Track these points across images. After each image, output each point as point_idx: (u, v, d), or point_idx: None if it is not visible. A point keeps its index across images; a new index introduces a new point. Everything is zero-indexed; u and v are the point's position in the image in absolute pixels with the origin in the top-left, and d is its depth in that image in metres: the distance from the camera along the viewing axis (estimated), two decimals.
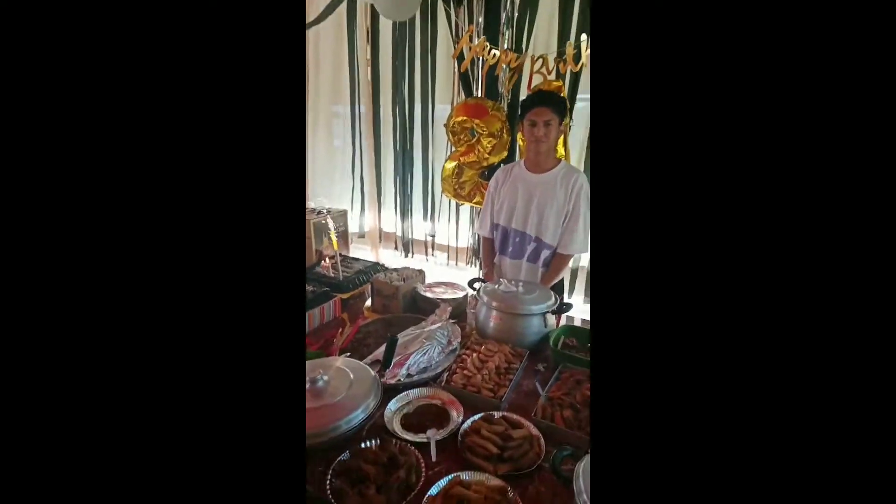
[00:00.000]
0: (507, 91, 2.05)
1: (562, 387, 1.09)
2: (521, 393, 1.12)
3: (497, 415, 0.99)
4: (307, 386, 0.92)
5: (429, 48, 2.26)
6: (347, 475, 0.81)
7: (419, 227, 2.62)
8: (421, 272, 1.69)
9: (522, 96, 2.05)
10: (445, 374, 1.15)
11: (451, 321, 1.38)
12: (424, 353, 1.20)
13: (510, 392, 1.09)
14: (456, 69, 2.16)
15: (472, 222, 2.39)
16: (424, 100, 2.35)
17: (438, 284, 1.67)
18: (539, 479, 0.85)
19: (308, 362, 1.07)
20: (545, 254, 1.66)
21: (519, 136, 2.00)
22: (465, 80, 2.14)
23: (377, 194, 2.68)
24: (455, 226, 2.47)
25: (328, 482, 0.80)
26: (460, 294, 1.59)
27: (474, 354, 1.22)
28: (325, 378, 0.95)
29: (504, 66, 1.97)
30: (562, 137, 1.83)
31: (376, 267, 1.77)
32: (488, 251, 1.82)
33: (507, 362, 1.20)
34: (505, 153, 2.09)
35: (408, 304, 1.56)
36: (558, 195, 1.59)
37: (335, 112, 2.76)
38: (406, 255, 2.61)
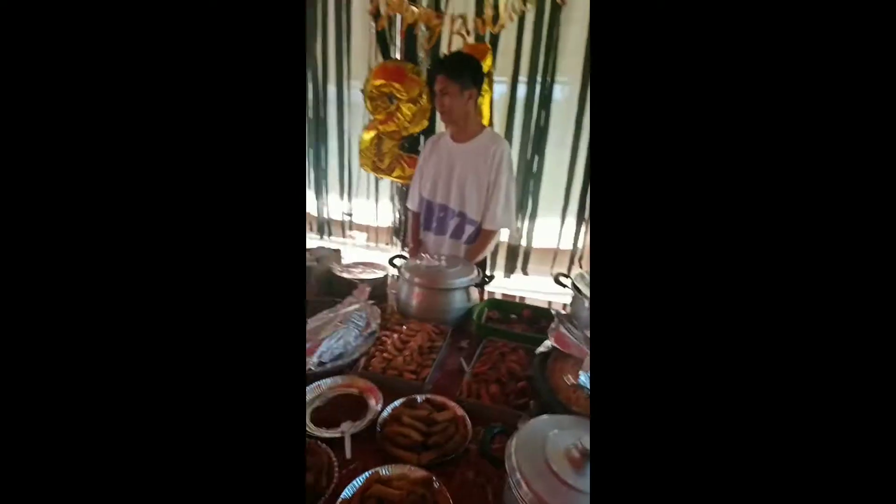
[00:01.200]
0: (426, 53, 1.93)
1: (486, 361, 1.03)
2: (445, 372, 1.06)
3: (420, 398, 0.91)
4: None
5: (343, 4, 2.04)
6: None
7: (335, 206, 2.42)
8: (336, 252, 1.54)
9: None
10: (363, 360, 1.04)
11: (371, 302, 1.27)
12: (339, 339, 1.07)
13: (434, 372, 1.01)
14: (373, 28, 1.98)
15: (392, 199, 2.25)
16: (339, 64, 2.14)
17: (356, 265, 1.54)
18: (466, 463, 0.79)
19: None
20: (469, 229, 1.57)
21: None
22: (383, 41, 1.97)
23: None
24: (374, 203, 2.32)
25: None
26: (380, 274, 1.48)
27: (395, 335, 1.13)
28: None
29: (422, 25, 1.83)
30: (485, 102, 1.76)
31: None
32: (416, 227, 1.71)
33: (429, 341, 1.12)
34: (426, 122, 1.97)
35: (323, 286, 1.42)
36: (480, 165, 1.49)
37: None
38: (322, 237, 2.42)
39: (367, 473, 0.73)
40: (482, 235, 1.57)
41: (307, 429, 0.83)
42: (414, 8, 1.80)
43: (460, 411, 0.88)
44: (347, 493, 0.69)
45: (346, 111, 2.21)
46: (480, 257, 1.58)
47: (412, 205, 1.69)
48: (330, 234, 2.44)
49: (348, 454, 0.78)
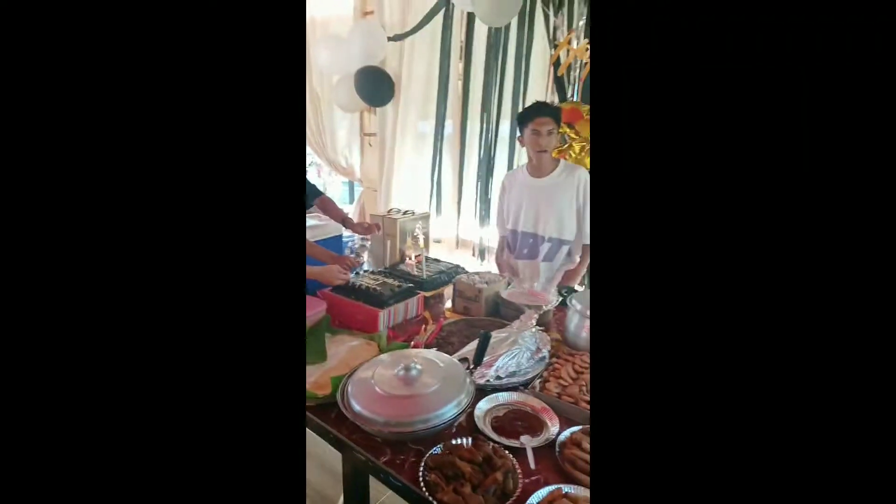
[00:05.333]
0: None
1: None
2: None
3: None
4: (401, 374, 0.90)
5: (524, 53, 2.23)
6: (441, 470, 0.76)
7: (496, 236, 2.57)
8: (504, 277, 1.63)
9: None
10: (537, 381, 1.07)
11: (540, 328, 1.30)
12: (513, 357, 1.13)
13: None
14: (551, 74, 2.11)
15: None
16: (515, 105, 2.32)
17: (521, 292, 1.60)
18: None
19: (399, 352, 1.05)
20: (563, 250, 1.77)
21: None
22: (560, 85, 2.08)
23: (458, 200, 2.68)
24: None
25: (421, 473, 0.76)
26: (545, 303, 1.50)
27: (569, 364, 1.14)
28: (418, 368, 0.92)
29: None
30: None
31: (458, 269, 1.75)
32: (501, 250, 1.93)
33: None
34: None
35: (490, 309, 1.51)
36: (566, 194, 1.70)
37: (420, 132, 2.84)
38: (482, 261, 2.57)
39: (550, 487, 0.75)
40: (585, 251, 1.80)
41: (487, 433, 0.89)
42: None
43: None
44: (534, 500, 0.72)
45: (517, 151, 2.37)
46: (584, 270, 1.84)
47: (500, 232, 1.92)
48: (485, 260, 2.58)
49: (532, 465, 0.81)
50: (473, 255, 2.62)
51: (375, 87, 2.63)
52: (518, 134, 1.72)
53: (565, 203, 1.71)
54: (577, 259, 1.82)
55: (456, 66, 2.53)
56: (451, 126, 2.65)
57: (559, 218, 1.73)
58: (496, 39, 2.32)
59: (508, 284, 1.59)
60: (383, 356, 1.01)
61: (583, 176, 1.71)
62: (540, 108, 1.65)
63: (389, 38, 2.63)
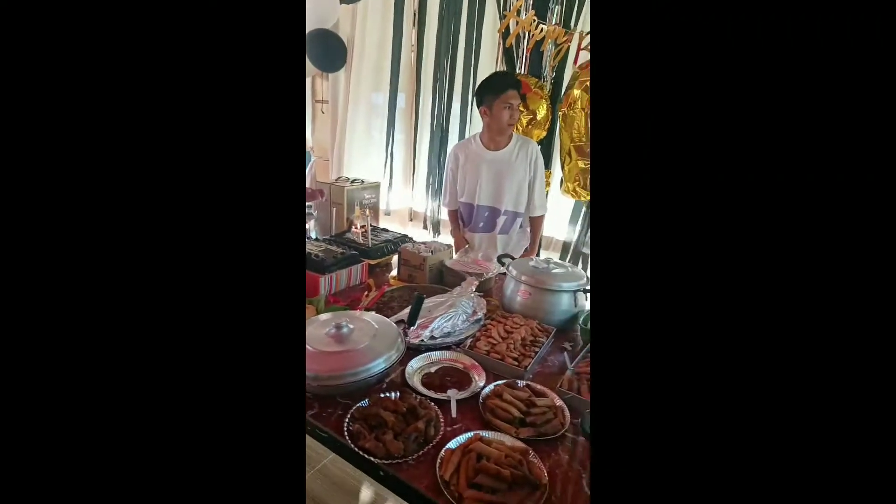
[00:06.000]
0: (551, 68, 2.00)
1: (590, 364, 1.04)
2: (546, 367, 1.09)
3: (521, 383, 0.96)
4: (332, 332, 0.92)
5: (475, 23, 2.22)
6: (366, 420, 0.80)
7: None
8: (449, 247, 1.67)
9: (567, 74, 1.99)
10: (469, 340, 1.12)
11: (478, 294, 1.35)
12: (449, 319, 1.17)
13: (535, 363, 1.05)
14: (500, 45, 2.12)
15: None
16: (466, 77, 2.32)
17: (466, 261, 1.64)
18: (562, 448, 0.81)
19: (335, 313, 1.07)
20: (517, 222, 1.82)
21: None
22: (509, 57, 2.09)
23: (412, 173, 2.67)
24: None
25: (346, 424, 0.79)
26: (488, 271, 1.56)
27: (500, 325, 1.19)
28: (350, 326, 0.94)
29: (550, 42, 1.91)
30: None
31: (404, 238, 1.76)
32: (456, 223, 1.94)
33: (532, 335, 1.16)
34: (543, 132, 2.03)
35: (434, 277, 1.55)
36: (519, 168, 1.74)
37: (374, 103, 2.77)
38: (434, 235, 2.60)
39: (469, 433, 0.80)
40: (535, 222, 1.86)
41: (418, 388, 0.93)
42: (543, 26, 1.89)
43: (559, 401, 0.91)
44: (452, 444, 0.77)
45: (468, 123, 2.38)
46: (538, 239, 1.90)
47: (452, 206, 1.92)
48: (439, 234, 2.61)
49: (454, 414, 0.86)
50: (425, 227, 2.64)
51: (327, 50, 2.54)
52: (481, 106, 1.68)
53: (521, 176, 1.75)
54: (528, 231, 1.87)
55: (410, 35, 2.48)
56: (403, 99, 2.62)
57: (517, 191, 1.76)
58: (448, 6, 2.29)
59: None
60: (319, 316, 1.02)
61: (534, 148, 1.76)
62: (511, 81, 1.64)
63: (342, 1, 2.53)
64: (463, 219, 1.91)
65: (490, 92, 1.64)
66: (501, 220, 1.81)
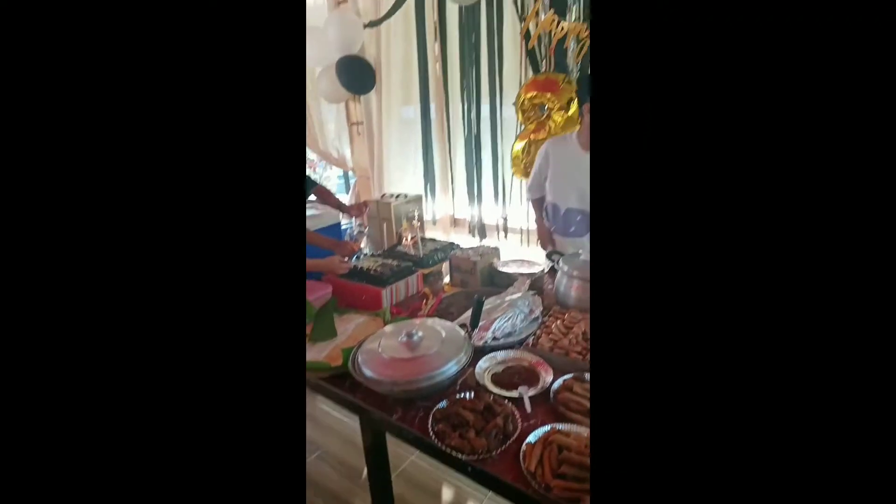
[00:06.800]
0: (576, 62, 2.00)
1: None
2: None
3: (587, 375, 0.99)
4: (404, 340, 0.99)
5: (495, 30, 2.26)
6: (448, 420, 0.86)
7: (489, 212, 2.64)
8: (496, 249, 1.71)
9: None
10: (531, 339, 1.16)
11: (532, 293, 1.39)
12: (508, 320, 1.22)
13: None
14: (523, 47, 2.15)
15: None
16: (492, 82, 2.36)
17: (514, 261, 1.68)
18: None
19: (402, 322, 1.14)
20: None
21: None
22: (533, 58, 2.12)
23: (449, 181, 2.74)
24: (526, 208, 2.46)
25: (430, 425, 0.85)
26: (536, 269, 1.59)
27: (558, 321, 1.22)
28: (420, 334, 1.00)
29: (573, 38, 1.92)
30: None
31: (452, 246, 1.82)
32: (540, 212, 1.85)
33: None
34: (578, 126, 2.04)
35: (485, 280, 1.59)
36: None
37: (405, 118, 2.86)
38: (480, 239, 2.65)
39: (546, 427, 0.84)
40: None
41: (489, 387, 0.98)
42: (564, 24, 1.91)
43: None
44: (531, 438, 0.81)
45: (499, 126, 2.42)
46: None
47: (534, 194, 1.84)
48: (485, 237, 2.65)
49: (528, 409, 0.90)
50: (471, 233, 2.69)
51: (356, 74, 2.66)
52: (584, 104, 1.62)
53: None
54: None
55: (433, 48, 2.56)
56: (433, 109, 2.69)
57: None
58: (468, 18, 2.34)
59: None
60: (388, 327, 1.10)
61: None
62: None
63: (365, 25, 2.65)
64: (549, 220, 1.81)
65: (585, 92, 1.59)
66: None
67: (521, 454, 0.78)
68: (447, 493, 1.65)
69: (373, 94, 2.85)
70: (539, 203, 1.86)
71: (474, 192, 2.63)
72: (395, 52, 2.70)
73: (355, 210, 1.97)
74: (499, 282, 1.57)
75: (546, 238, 1.86)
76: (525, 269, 1.59)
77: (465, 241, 2.57)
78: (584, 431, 0.82)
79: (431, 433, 0.84)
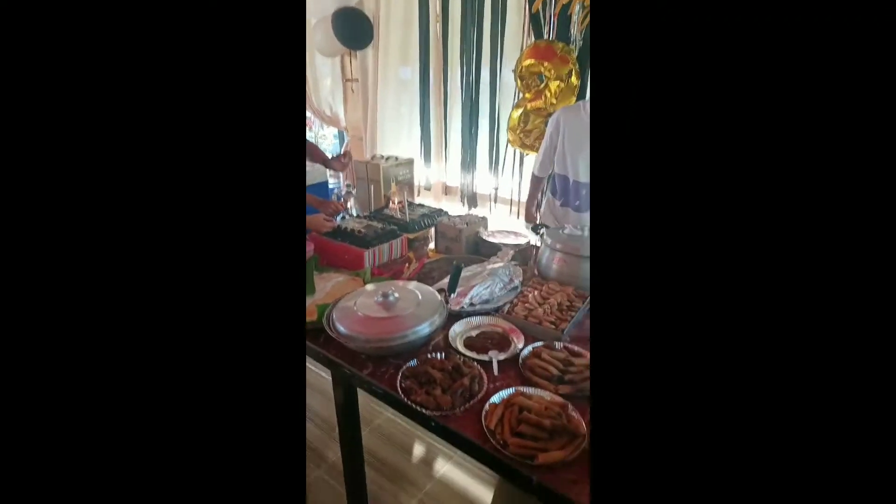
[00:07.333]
0: (579, 32, 1.94)
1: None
2: (582, 331, 1.13)
3: (558, 344, 1.01)
4: (380, 300, 1.00)
5: None
6: (416, 377, 0.88)
7: (482, 182, 2.61)
8: (484, 219, 1.71)
9: None
10: (507, 306, 1.18)
11: (514, 262, 1.40)
12: (486, 287, 1.23)
13: (571, 327, 1.10)
14: (527, 11, 2.07)
15: None
16: (494, 46, 2.29)
17: (501, 231, 1.68)
18: None
19: (381, 283, 1.15)
20: None
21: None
22: (536, 23, 2.04)
23: (444, 147, 2.70)
24: (519, 179, 2.44)
25: (399, 381, 0.88)
26: (522, 241, 1.60)
27: (536, 291, 1.24)
28: (396, 295, 1.01)
29: (578, 5, 1.85)
30: None
31: (440, 212, 1.82)
32: (536, 192, 1.84)
33: (569, 301, 1.21)
34: (573, 98, 2.00)
35: (470, 248, 1.60)
36: None
37: (402, 78, 2.78)
38: (469, 208, 2.63)
39: (511, 389, 0.87)
40: None
41: (461, 349, 1.00)
42: None
43: None
44: (495, 399, 0.84)
45: (498, 92, 2.36)
46: None
47: (541, 172, 1.79)
48: (475, 206, 2.64)
49: (496, 372, 0.93)
50: (461, 201, 2.68)
51: (354, 28, 2.56)
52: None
53: None
54: None
55: (434, 5, 2.45)
56: (431, 72, 2.61)
57: None
58: None
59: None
60: (366, 287, 1.11)
61: None
62: None
63: None
64: (556, 192, 1.75)
65: None
66: None
67: (484, 413, 0.81)
68: (418, 449, 1.72)
69: (369, 51, 2.75)
70: (538, 182, 1.83)
71: (468, 159, 2.59)
72: (395, 7, 2.59)
73: (338, 164, 1.93)
74: (484, 251, 1.58)
75: (531, 216, 1.85)
76: (511, 240, 1.60)
77: (456, 208, 2.56)
78: (547, 395, 0.85)
79: (399, 389, 0.87)
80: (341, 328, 0.96)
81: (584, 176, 1.65)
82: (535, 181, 1.87)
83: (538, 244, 1.46)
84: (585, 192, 1.67)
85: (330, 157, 1.96)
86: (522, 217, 2.42)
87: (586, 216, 1.70)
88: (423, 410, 0.82)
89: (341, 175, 2.72)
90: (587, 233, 1.38)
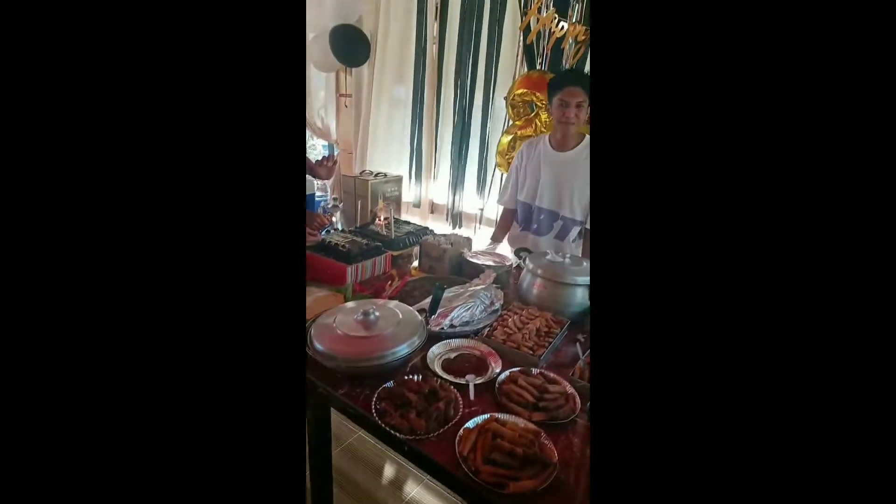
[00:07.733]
0: (571, 65, 2.01)
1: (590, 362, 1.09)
2: (559, 356, 1.14)
3: (535, 370, 1.02)
4: (360, 318, 0.99)
5: (496, 19, 2.24)
6: (391, 399, 0.87)
7: (469, 202, 2.65)
8: (468, 239, 1.73)
9: (586, 71, 2.01)
10: (486, 329, 1.18)
11: (495, 286, 1.41)
12: (467, 309, 1.24)
13: (549, 353, 1.11)
14: (521, 42, 2.14)
15: None
16: (488, 72, 2.35)
17: (484, 252, 1.70)
18: (573, 432, 0.87)
19: (362, 301, 1.15)
20: (574, 230, 1.73)
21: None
22: (530, 54, 2.11)
23: (433, 166, 2.73)
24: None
25: (374, 403, 0.87)
26: (505, 264, 1.61)
27: (516, 315, 1.25)
28: (377, 314, 1.01)
29: (570, 39, 1.93)
30: None
31: (426, 231, 1.83)
32: (507, 222, 1.90)
33: (547, 326, 1.22)
34: None
35: (454, 268, 1.61)
36: (583, 172, 1.64)
37: (396, 97, 2.82)
38: (454, 227, 2.65)
39: (486, 415, 0.87)
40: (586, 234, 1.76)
41: (438, 372, 1.00)
42: (564, 23, 1.91)
43: (571, 389, 0.97)
44: (470, 424, 0.84)
45: (489, 118, 2.41)
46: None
47: (509, 204, 1.87)
48: (460, 226, 2.66)
49: (472, 396, 0.93)
50: (447, 220, 2.70)
51: (351, 45, 2.60)
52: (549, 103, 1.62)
53: (581, 182, 1.64)
54: (584, 245, 1.72)
55: (432, 28, 2.52)
56: (425, 92, 2.66)
57: (580, 197, 1.66)
58: (470, 3, 2.31)
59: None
60: (347, 304, 1.10)
61: None
62: (571, 77, 1.57)
63: None
64: (518, 218, 1.83)
65: (551, 87, 1.58)
66: (558, 226, 1.73)
67: (458, 438, 0.81)
68: (388, 470, 1.68)
69: (365, 68, 2.79)
70: (508, 215, 1.89)
71: (456, 179, 2.63)
72: (393, 27, 2.64)
73: (324, 170, 1.91)
74: (466, 271, 1.59)
75: (499, 236, 1.90)
76: (493, 262, 1.62)
77: (442, 227, 2.57)
78: (522, 423, 0.85)
79: (374, 410, 0.86)
80: (319, 346, 0.95)
81: (543, 201, 1.74)
82: (504, 215, 1.95)
83: (522, 266, 1.48)
84: (543, 217, 1.75)
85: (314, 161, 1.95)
86: (506, 240, 2.45)
87: (544, 240, 1.77)
88: (398, 434, 0.81)
89: (329, 188, 2.71)
90: (568, 260, 1.40)
